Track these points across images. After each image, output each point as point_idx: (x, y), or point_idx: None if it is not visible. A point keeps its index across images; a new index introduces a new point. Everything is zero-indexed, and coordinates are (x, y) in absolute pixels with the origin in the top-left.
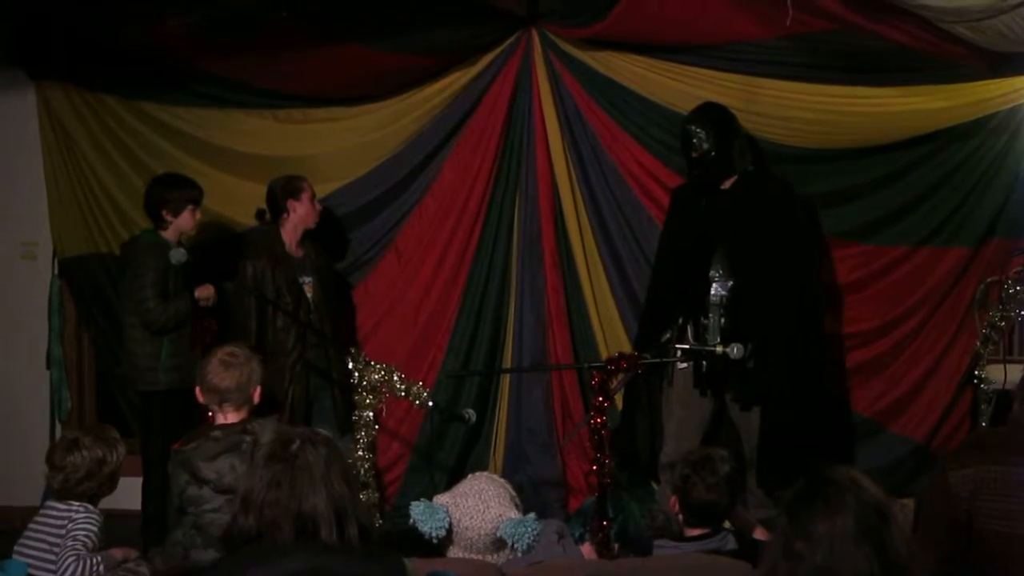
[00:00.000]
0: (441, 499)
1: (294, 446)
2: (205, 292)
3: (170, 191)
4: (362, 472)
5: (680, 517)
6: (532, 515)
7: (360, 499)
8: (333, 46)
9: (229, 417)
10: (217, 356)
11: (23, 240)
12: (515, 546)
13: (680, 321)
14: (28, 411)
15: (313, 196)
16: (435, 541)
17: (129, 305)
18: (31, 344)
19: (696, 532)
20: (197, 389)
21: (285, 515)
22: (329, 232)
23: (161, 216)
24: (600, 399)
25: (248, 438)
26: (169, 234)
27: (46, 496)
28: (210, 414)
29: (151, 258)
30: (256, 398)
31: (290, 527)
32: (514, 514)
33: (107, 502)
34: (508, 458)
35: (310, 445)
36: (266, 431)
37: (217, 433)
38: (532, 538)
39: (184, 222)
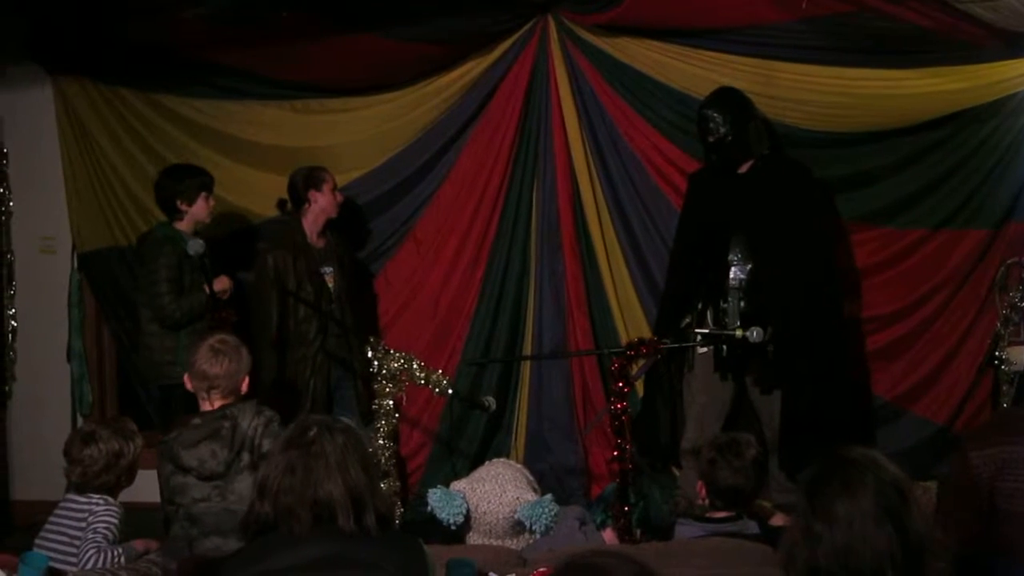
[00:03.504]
0: (458, 485)
1: (311, 433)
2: (221, 285)
3: (181, 180)
4: (383, 461)
5: (706, 502)
6: (549, 496)
7: (379, 487)
8: (349, 36)
9: (216, 404)
10: (207, 343)
11: (42, 235)
12: (533, 528)
13: (699, 306)
14: (50, 405)
15: (334, 187)
16: (453, 527)
17: (143, 300)
18: (52, 338)
19: (720, 515)
20: (185, 376)
21: (301, 502)
22: (348, 222)
23: (176, 206)
24: (620, 385)
25: (227, 423)
26: (184, 225)
27: (68, 490)
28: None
29: (164, 253)
30: (244, 388)
31: (307, 514)
32: (531, 497)
33: (129, 495)
34: (529, 446)
35: (327, 432)
36: (246, 415)
37: (197, 420)
38: (550, 519)
39: (199, 210)
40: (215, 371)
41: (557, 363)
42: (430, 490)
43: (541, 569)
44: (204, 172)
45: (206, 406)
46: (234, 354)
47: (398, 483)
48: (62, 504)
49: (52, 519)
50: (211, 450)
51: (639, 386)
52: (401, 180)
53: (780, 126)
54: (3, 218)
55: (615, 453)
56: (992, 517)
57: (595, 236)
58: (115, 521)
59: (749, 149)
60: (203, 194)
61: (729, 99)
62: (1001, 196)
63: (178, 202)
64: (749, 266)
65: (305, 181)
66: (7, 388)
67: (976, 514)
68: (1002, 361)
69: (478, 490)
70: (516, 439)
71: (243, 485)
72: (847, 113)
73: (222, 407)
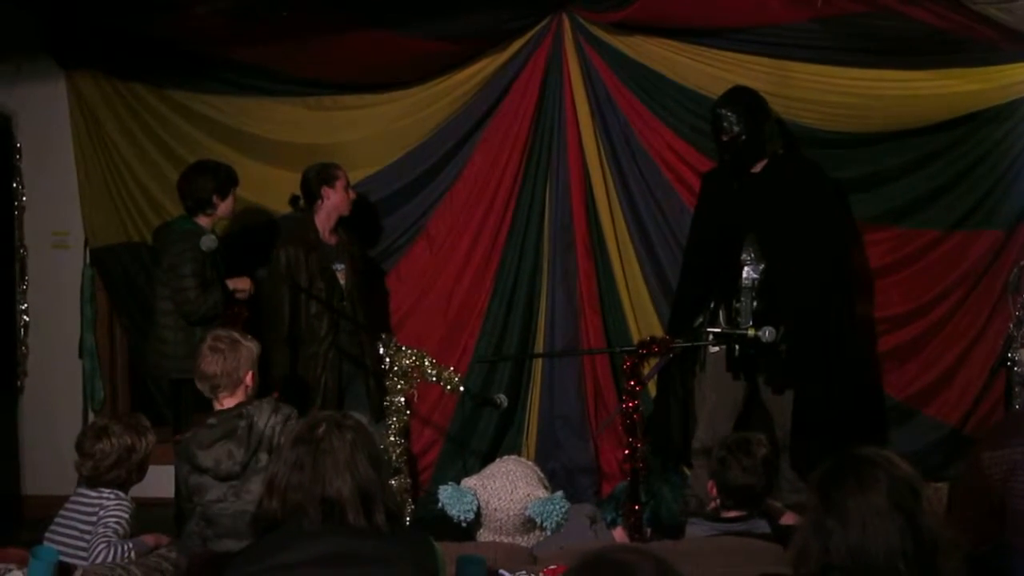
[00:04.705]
0: (469, 482)
1: (320, 429)
2: (242, 284)
3: (216, 176)
4: (394, 458)
5: (716, 501)
6: (560, 493)
7: (389, 484)
8: (363, 33)
9: (225, 403)
10: (205, 343)
11: (55, 230)
12: (544, 524)
13: (712, 305)
14: (61, 401)
15: (347, 184)
16: (464, 524)
17: (166, 293)
18: (64, 334)
19: (731, 514)
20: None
21: (309, 499)
22: (360, 219)
23: (211, 201)
24: (632, 383)
25: (243, 423)
26: (207, 221)
27: (79, 485)
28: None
29: (189, 247)
30: (249, 381)
31: (316, 511)
32: (542, 493)
33: (140, 490)
34: (540, 444)
35: (336, 429)
36: (263, 413)
37: (212, 420)
38: (561, 516)
39: (227, 207)
40: (213, 370)
41: (569, 361)
42: (441, 487)
43: (551, 567)
44: (232, 169)
45: (217, 406)
46: (230, 350)
47: (409, 480)
48: (73, 498)
49: (62, 513)
50: (227, 450)
51: (651, 385)
52: (414, 177)
53: (794, 126)
54: (16, 213)
55: (626, 452)
56: (1004, 517)
57: (608, 234)
58: (125, 516)
59: (763, 149)
60: (233, 190)
61: (743, 99)
62: (1015, 198)
63: (214, 197)
64: (762, 266)
65: (318, 178)
66: (19, 383)
67: (988, 514)
68: (1015, 363)
69: (489, 487)
70: (527, 436)
71: (259, 486)
72: (861, 113)
73: (238, 405)
